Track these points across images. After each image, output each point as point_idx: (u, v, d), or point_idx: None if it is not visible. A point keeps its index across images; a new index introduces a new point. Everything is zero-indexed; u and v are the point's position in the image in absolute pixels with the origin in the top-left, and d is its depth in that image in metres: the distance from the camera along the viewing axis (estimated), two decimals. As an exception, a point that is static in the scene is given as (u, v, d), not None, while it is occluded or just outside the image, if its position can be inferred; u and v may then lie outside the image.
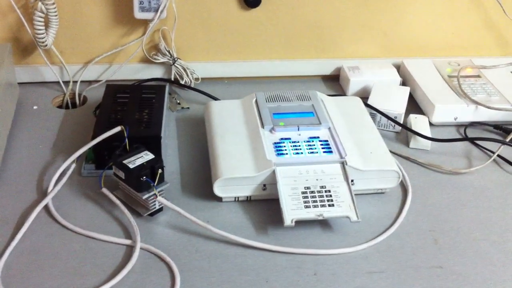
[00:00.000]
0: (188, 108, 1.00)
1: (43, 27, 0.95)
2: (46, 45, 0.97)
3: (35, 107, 0.97)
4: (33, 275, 0.66)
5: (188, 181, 0.83)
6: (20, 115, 0.94)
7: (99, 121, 0.83)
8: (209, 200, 0.79)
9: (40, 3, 0.93)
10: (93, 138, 0.80)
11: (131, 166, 0.73)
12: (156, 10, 0.97)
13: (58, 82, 1.02)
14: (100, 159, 0.82)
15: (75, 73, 1.03)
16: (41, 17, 0.94)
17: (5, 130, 0.86)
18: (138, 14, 0.98)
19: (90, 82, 1.04)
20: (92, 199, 0.78)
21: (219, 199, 0.79)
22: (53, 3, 0.94)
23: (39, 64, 1.02)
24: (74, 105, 1.02)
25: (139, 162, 0.74)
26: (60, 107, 1.00)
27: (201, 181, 0.82)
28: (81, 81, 1.03)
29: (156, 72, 1.06)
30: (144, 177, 0.73)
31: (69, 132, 0.91)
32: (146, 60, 1.06)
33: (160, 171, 0.74)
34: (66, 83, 1.02)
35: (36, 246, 0.70)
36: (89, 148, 0.81)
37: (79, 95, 1.02)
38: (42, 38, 0.96)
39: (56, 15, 0.95)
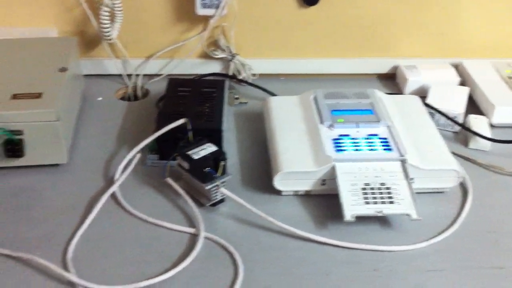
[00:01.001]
0: (246, 103, 1.02)
1: (109, 21, 0.98)
2: (111, 39, 1.00)
3: (99, 99, 1.00)
4: (101, 261, 0.69)
5: (247, 174, 0.84)
6: (85, 105, 0.98)
7: (163, 113, 0.86)
8: (268, 193, 0.80)
9: (107, -2, 0.97)
10: (157, 129, 0.83)
11: (195, 157, 0.76)
12: (217, 7, 1.00)
13: (120, 75, 1.06)
14: (163, 150, 0.85)
15: (138, 66, 1.06)
16: (107, 11, 0.97)
17: (73, 120, 0.89)
18: (200, 11, 1.00)
19: (150, 76, 1.08)
20: (156, 188, 0.80)
21: (278, 192, 0.80)
22: (119, -2, 0.97)
23: (103, 57, 1.06)
24: (135, 97, 1.05)
25: (203, 153, 0.76)
26: (122, 99, 1.03)
27: (260, 174, 0.84)
28: (143, 75, 1.06)
29: (214, 67, 1.08)
30: (208, 168, 0.75)
31: (132, 123, 0.94)
32: (204, 56, 1.08)
33: (222, 163, 0.76)
34: (129, 76, 1.05)
35: (104, 232, 0.73)
36: (153, 139, 0.84)
37: (141, 88, 1.05)
38: (107, 32, 0.99)
39: (121, 10, 0.99)
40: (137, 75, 1.06)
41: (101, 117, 0.95)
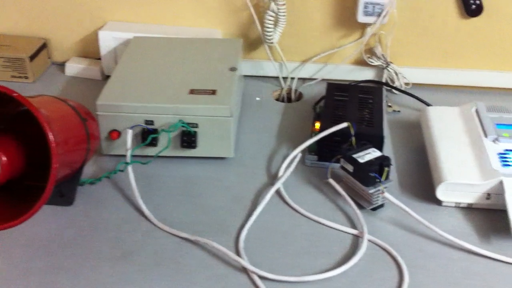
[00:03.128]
0: (399, 111, 1.03)
1: (272, 26, 1.03)
2: (272, 42, 1.05)
3: (257, 99, 1.05)
4: (270, 250, 0.73)
5: (405, 181, 0.85)
6: (245, 104, 1.03)
7: (324, 116, 0.89)
8: (427, 202, 0.81)
9: (273, 3, 1.01)
10: (320, 131, 0.86)
11: (360, 160, 0.78)
12: (379, 15, 1.01)
13: (277, 77, 1.11)
14: (323, 151, 0.88)
15: (293, 69, 1.11)
16: (272, 16, 1.02)
17: (237, 117, 0.95)
18: (362, 18, 1.02)
19: (304, 80, 1.11)
20: (316, 187, 0.83)
21: (438, 202, 0.80)
22: (284, 4, 1.02)
23: (262, 59, 1.11)
24: (289, 99, 1.09)
25: (368, 157, 0.78)
26: (277, 100, 1.08)
27: (417, 182, 0.84)
28: (298, 78, 1.10)
29: (367, 74, 1.10)
30: (373, 173, 0.77)
31: (289, 123, 0.98)
32: (358, 62, 1.10)
33: (387, 168, 0.78)
34: (284, 78, 1.10)
35: (270, 224, 0.77)
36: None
37: (295, 90, 1.09)
38: (270, 36, 1.04)
39: (284, 15, 1.03)
40: (292, 78, 1.10)
41: (261, 116, 1.00)
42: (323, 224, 0.77)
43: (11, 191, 0.73)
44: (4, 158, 0.64)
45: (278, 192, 0.82)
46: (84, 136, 0.75)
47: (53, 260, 0.70)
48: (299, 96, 1.09)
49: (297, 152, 0.88)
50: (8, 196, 0.73)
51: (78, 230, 0.75)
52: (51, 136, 0.62)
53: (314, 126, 0.93)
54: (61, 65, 1.13)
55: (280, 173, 0.85)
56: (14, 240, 0.72)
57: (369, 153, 0.79)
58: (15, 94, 0.62)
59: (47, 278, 0.67)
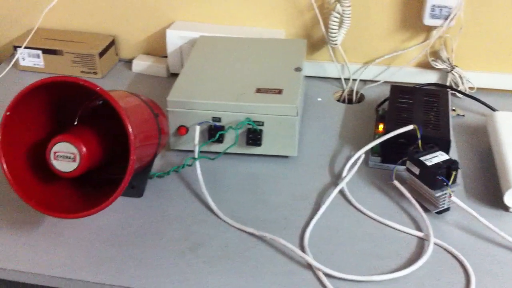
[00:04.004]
0: (463, 115, 1.01)
1: (337, 27, 1.04)
2: (336, 44, 1.05)
3: (319, 99, 1.06)
4: (334, 249, 0.73)
5: (471, 185, 0.84)
6: (307, 105, 1.04)
7: (389, 119, 0.89)
8: (493, 208, 0.80)
9: (338, 5, 1.02)
10: (385, 133, 0.86)
11: (428, 163, 0.77)
12: (446, 18, 1.00)
13: (338, 79, 1.11)
14: (386, 153, 0.88)
15: (355, 71, 1.11)
16: (336, 17, 1.03)
17: (301, 117, 0.95)
18: (428, 21, 1.01)
19: (365, 81, 1.11)
20: (380, 189, 0.84)
21: (505, 208, 0.79)
22: (349, 5, 1.02)
23: (324, 60, 1.11)
24: (349, 101, 1.09)
25: (435, 160, 0.78)
26: (337, 101, 1.08)
27: (483, 187, 0.83)
28: (360, 80, 1.10)
29: (431, 77, 1.09)
30: (440, 176, 0.77)
31: (351, 125, 0.99)
32: (421, 65, 1.09)
33: (454, 172, 0.77)
34: (346, 80, 1.10)
35: (334, 223, 0.77)
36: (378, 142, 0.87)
37: (356, 92, 1.09)
38: (334, 37, 1.04)
39: (349, 17, 1.03)
40: (354, 79, 1.10)
41: (322, 116, 1.01)
42: (388, 226, 0.77)
43: (83, 181, 0.76)
44: (84, 149, 0.67)
45: (341, 192, 0.83)
46: (156, 130, 0.78)
47: (123, 249, 0.73)
48: (360, 98, 1.09)
49: (361, 153, 0.88)
50: (81, 186, 0.76)
51: (147, 221, 0.77)
52: (130, 129, 0.64)
53: (377, 128, 0.93)
54: (128, 62, 1.17)
55: (344, 173, 0.86)
56: (86, 229, 0.75)
57: (436, 156, 0.79)
58: (97, 88, 0.64)
59: (118, 267, 0.70)
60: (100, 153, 0.71)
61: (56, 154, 0.67)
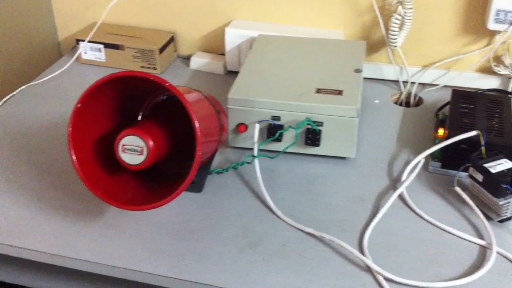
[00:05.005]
0: (525, 123, 0.99)
1: (398, 29, 1.03)
2: (396, 46, 1.04)
3: (376, 101, 1.05)
4: (393, 253, 0.72)
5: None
6: (363, 106, 1.03)
7: (451, 123, 0.87)
8: (558, 219, 0.78)
9: (400, 7, 1.01)
10: (447, 138, 0.84)
11: (492, 170, 0.76)
12: (510, 23, 0.98)
13: (395, 81, 1.10)
14: (447, 158, 0.86)
15: (413, 74, 1.09)
16: (398, 19, 1.02)
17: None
18: (492, 25, 0.99)
19: (424, 85, 1.10)
20: (440, 194, 0.82)
21: None
22: (411, 8, 1.01)
23: (382, 62, 1.10)
24: (407, 104, 1.08)
25: (499, 168, 0.76)
26: (394, 104, 1.07)
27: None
28: (418, 83, 1.09)
29: (492, 83, 1.06)
30: (504, 184, 0.75)
31: (409, 128, 0.97)
32: (483, 70, 1.07)
33: (520, 181, 0.76)
34: (404, 82, 1.09)
35: (393, 227, 0.77)
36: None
37: (414, 95, 1.08)
38: (394, 39, 1.03)
39: (411, 19, 1.02)
40: (413, 82, 1.09)
41: (379, 119, 1.00)
42: (449, 232, 0.76)
43: (143, 174, 0.77)
44: (151, 143, 0.68)
45: (400, 196, 0.82)
46: (217, 127, 0.79)
47: (183, 242, 0.74)
48: (418, 101, 1.07)
49: (421, 157, 0.87)
50: (142, 179, 0.77)
51: (206, 216, 0.78)
52: (197, 125, 0.65)
53: (437, 132, 0.92)
54: (185, 59, 1.19)
55: (403, 177, 0.85)
56: (147, 222, 0.77)
57: (501, 163, 0.77)
58: (167, 84, 0.65)
59: (178, 260, 0.71)
60: (165, 148, 0.72)
61: (124, 147, 0.69)
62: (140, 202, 0.71)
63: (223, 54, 1.13)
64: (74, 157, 0.69)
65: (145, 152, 0.69)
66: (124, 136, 0.68)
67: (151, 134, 0.69)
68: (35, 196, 0.82)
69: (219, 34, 1.15)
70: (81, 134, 0.71)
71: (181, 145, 0.76)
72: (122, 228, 0.76)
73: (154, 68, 1.12)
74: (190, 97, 0.72)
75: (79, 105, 0.69)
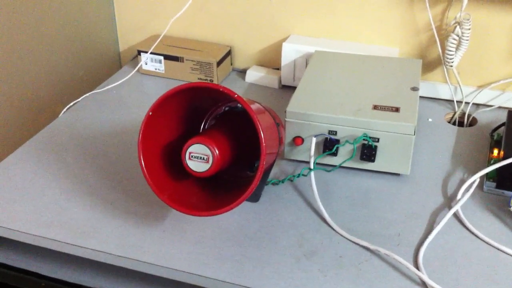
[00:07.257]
0: None
1: (454, 49, 1.04)
2: (452, 66, 1.05)
3: (429, 120, 1.06)
4: (449, 270, 0.73)
5: None
6: (417, 124, 1.04)
7: (508, 144, 0.88)
8: None
9: (458, 27, 1.02)
10: (503, 159, 0.85)
11: (551, 193, 0.76)
12: None
13: (450, 100, 1.11)
14: (502, 179, 0.86)
15: (468, 94, 1.10)
16: (455, 39, 1.03)
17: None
18: (551, 47, 0.99)
19: (478, 105, 1.10)
20: (495, 214, 0.83)
21: None
22: (469, 28, 1.02)
23: (437, 81, 1.11)
24: (460, 123, 1.09)
25: (558, 191, 0.77)
26: (448, 123, 1.08)
27: None
28: (472, 103, 1.09)
29: (548, 105, 1.07)
30: None
31: (463, 148, 0.98)
32: (538, 92, 1.07)
33: None
34: (458, 102, 1.09)
35: (448, 244, 0.77)
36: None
37: (468, 115, 1.08)
38: (451, 59, 1.04)
39: (468, 40, 1.03)
40: (467, 102, 1.09)
41: (432, 137, 1.01)
42: (505, 252, 0.76)
43: (205, 181, 0.80)
44: (217, 152, 0.71)
45: (455, 215, 0.83)
46: (277, 139, 0.81)
47: (241, 250, 0.76)
48: (472, 121, 1.08)
49: (476, 177, 0.87)
50: (204, 186, 0.80)
51: (263, 225, 0.80)
52: (262, 136, 0.68)
53: (492, 152, 0.92)
54: (241, 72, 1.22)
55: (458, 196, 0.85)
56: (208, 228, 0.80)
57: (559, 186, 0.77)
58: (235, 96, 0.68)
59: (238, 266, 0.73)
60: (229, 156, 0.75)
61: (191, 154, 0.72)
62: (203, 208, 0.73)
63: (278, 69, 1.16)
64: (143, 162, 0.73)
65: (210, 160, 0.71)
66: (192, 144, 0.72)
67: (216, 143, 0.72)
68: (100, 199, 0.85)
69: (275, 49, 1.18)
70: (150, 140, 0.74)
71: (238, 154, 0.79)
72: (184, 232, 0.79)
73: (211, 80, 1.16)
74: (255, 109, 0.74)
75: (150, 113, 0.72)
